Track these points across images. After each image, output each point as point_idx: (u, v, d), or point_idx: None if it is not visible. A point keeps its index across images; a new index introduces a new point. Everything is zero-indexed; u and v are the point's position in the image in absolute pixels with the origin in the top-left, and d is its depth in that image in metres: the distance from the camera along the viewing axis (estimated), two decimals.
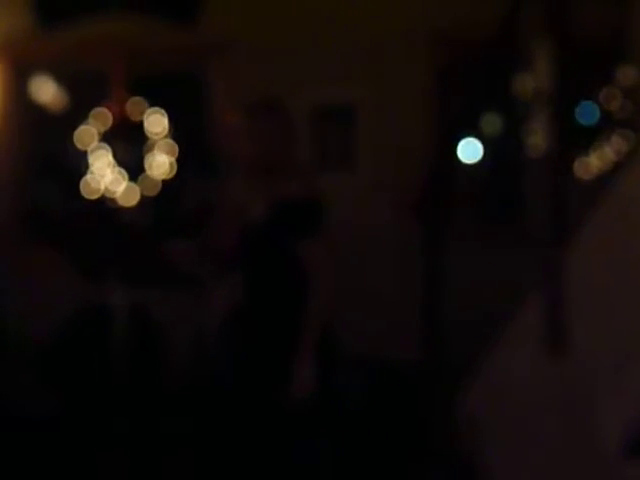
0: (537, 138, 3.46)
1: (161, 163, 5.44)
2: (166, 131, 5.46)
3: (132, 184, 5.40)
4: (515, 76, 5.77)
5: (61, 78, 5.81)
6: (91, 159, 5.39)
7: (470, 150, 6.09)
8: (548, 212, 3.33)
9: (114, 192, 5.36)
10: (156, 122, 5.44)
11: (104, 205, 5.29)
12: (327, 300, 3.11)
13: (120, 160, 5.44)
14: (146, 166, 5.42)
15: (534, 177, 5.50)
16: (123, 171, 5.41)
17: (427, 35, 5.52)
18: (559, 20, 3.23)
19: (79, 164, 5.42)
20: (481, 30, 3.99)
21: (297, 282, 3.11)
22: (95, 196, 5.34)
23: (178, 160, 5.54)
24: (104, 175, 5.36)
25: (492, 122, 6.33)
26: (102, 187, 5.35)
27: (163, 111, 5.54)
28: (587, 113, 5.65)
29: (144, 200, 5.40)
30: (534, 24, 3.34)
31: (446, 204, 5.17)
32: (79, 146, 5.41)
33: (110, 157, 5.41)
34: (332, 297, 3.12)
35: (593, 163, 5.63)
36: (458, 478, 4.23)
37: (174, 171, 5.51)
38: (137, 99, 5.52)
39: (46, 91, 5.79)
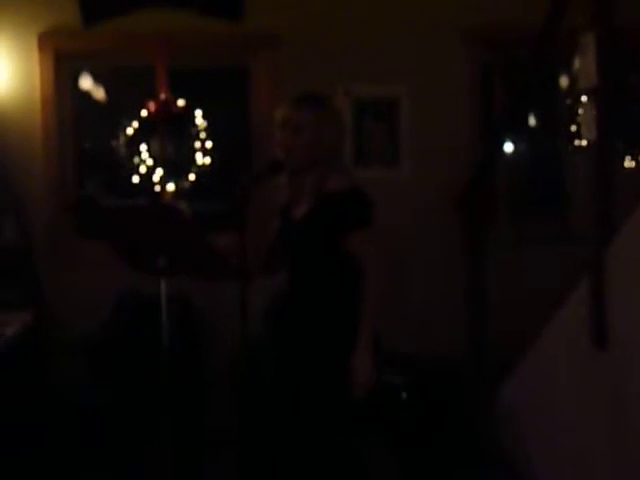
0: (582, 133, 3.44)
1: (206, 156, 5.46)
2: (210, 124, 5.48)
3: (177, 177, 5.43)
4: (560, 71, 5.75)
5: (107, 72, 5.86)
6: (136, 152, 5.42)
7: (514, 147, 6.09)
8: (592, 208, 3.33)
9: (159, 185, 5.40)
10: (200, 115, 5.46)
11: (149, 197, 5.34)
12: (381, 290, 3.09)
13: (165, 153, 5.47)
14: (191, 159, 5.45)
15: (578, 173, 5.50)
16: (168, 164, 5.44)
17: (469, 32, 5.51)
18: (604, 15, 3.23)
19: (124, 157, 5.45)
20: (525, 27, 4.02)
21: (346, 273, 3.13)
22: (140, 189, 5.40)
23: (222, 153, 5.56)
24: (149, 168, 5.40)
25: (537, 118, 6.31)
26: (147, 180, 5.40)
27: (207, 105, 5.56)
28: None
29: (188, 192, 5.44)
30: (580, 20, 3.34)
31: (489, 200, 5.19)
32: (124, 139, 5.44)
33: (155, 150, 5.43)
34: (386, 288, 3.11)
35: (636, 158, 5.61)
36: (498, 469, 4.24)
37: (219, 164, 5.53)
38: (181, 93, 5.53)
39: (93, 85, 5.84)
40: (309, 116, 3.11)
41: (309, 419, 3.18)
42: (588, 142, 3.36)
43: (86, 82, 5.78)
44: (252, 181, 3.08)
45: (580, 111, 3.38)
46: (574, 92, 5.39)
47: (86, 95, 5.82)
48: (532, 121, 6.38)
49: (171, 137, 5.51)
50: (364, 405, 3.10)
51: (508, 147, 5.95)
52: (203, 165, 5.45)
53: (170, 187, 5.40)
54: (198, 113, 5.47)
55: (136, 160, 5.43)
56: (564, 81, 5.83)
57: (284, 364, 3.25)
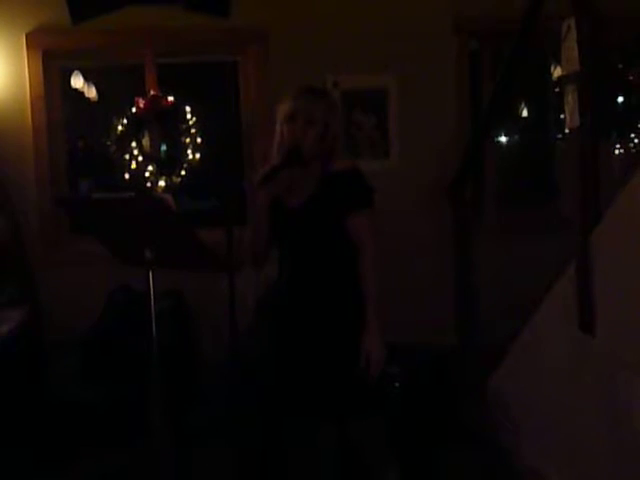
0: (567, 121, 3.45)
1: (196, 151, 5.47)
2: (199, 119, 5.49)
3: (168, 173, 5.45)
4: (545, 59, 5.76)
5: (96, 70, 5.87)
6: (126, 149, 5.43)
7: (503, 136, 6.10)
8: (579, 196, 3.35)
9: (149, 180, 5.42)
10: (189, 111, 5.47)
11: (140, 192, 5.35)
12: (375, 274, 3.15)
13: (155, 149, 5.48)
14: (181, 154, 5.46)
15: (565, 160, 5.51)
16: (158, 160, 5.46)
17: (457, 22, 5.53)
18: (586, 2, 3.24)
19: (115, 154, 5.46)
20: (513, 15, 4.03)
21: (351, 255, 3.16)
22: (131, 184, 5.41)
23: (211, 147, 5.58)
24: (140, 164, 5.41)
25: (524, 106, 6.33)
26: (138, 176, 5.41)
27: (196, 100, 5.58)
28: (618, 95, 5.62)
29: (178, 187, 5.45)
30: (562, 6, 3.35)
31: (477, 189, 5.21)
32: (114, 136, 5.46)
33: (145, 147, 5.44)
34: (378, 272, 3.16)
35: (625, 146, 5.61)
36: (489, 456, 4.26)
37: (208, 158, 5.55)
38: (170, 89, 5.54)
39: (84, 84, 5.84)
40: (322, 108, 3.13)
41: (317, 405, 3.19)
42: (570, 129, 3.38)
43: (78, 81, 5.78)
44: (271, 172, 3.07)
45: (566, 98, 3.38)
46: (562, 80, 5.41)
47: (77, 94, 5.82)
48: (523, 111, 6.40)
49: (161, 133, 5.52)
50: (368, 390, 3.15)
51: (497, 136, 5.96)
52: (193, 160, 5.46)
53: (161, 183, 5.41)
54: (187, 109, 5.48)
55: (127, 157, 5.44)
56: (554, 69, 5.84)
57: (288, 353, 3.22)
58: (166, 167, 5.44)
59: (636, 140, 5.58)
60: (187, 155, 5.45)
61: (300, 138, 3.10)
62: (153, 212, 3.00)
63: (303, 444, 3.50)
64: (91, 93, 5.89)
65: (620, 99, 5.65)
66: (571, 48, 3.29)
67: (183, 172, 5.44)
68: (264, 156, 3.38)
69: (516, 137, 6.46)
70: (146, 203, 3.14)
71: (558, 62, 5.63)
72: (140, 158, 5.42)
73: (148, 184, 5.41)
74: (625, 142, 5.70)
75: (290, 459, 3.43)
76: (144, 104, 5.43)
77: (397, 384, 4.31)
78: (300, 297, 3.20)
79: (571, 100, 3.35)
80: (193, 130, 5.45)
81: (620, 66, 5.45)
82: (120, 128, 5.44)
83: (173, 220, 3.03)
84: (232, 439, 3.98)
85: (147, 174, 5.41)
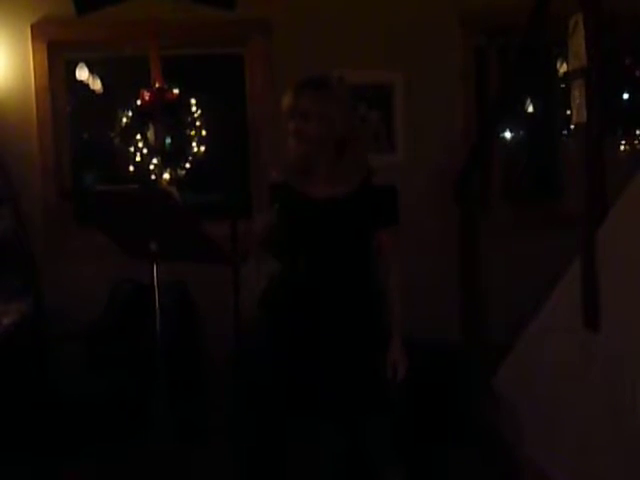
0: (574, 116, 3.44)
1: (201, 144, 5.46)
2: (205, 112, 5.48)
3: (172, 165, 5.44)
4: (552, 54, 5.73)
5: (101, 62, 5.85)
6: (131, 141, 5.42)
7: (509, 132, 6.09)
8: (585, 191, 3.34)
9: (154, 172, 5.40)
10: (194, 103, 5.46)
11: (145, 185, 5.33)
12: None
13: (160, 142, 5.47)
14: (186, 146, 5.45)
15: (573, 158, 5.50)
16: (163, 152, 5.45)
17: (464, 17, 5.52)
18: None
19: (120, 147, 5.46)
20: (520, 10, 4.02)
21: (372, 258, 3.19)
22: (136, 177, 5.40)
23: (217, 140, 5.57)
24: (144, 157, 5.40)
25: (530, 101, 6.31)
26: (143, 169, 5.40)
27: (202, 92, 5.56)
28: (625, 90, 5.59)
29: (184, 180, 5.44)
30: (570, 2, 3.34)
31: (484, 185, 5.19)
32: (119, 129, 5.45)
33: (150, 139, 5.43)
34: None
35: (630, 142, 5.59)
36: (495, 451, 4.26)
37: (213, 151, 5.54)
38: (175, 81, 5.53)
39: (89, 76, 5.83)
40: (313, 102, 3.07)
41: (328, 405, 3.19)
42: (576, 124, 3.37)
43: (83, 73, 5.77)
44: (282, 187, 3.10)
45: (573, 94, 3.37)
46: (569, 76, 5.39)
47: (82, 85, 5.81)
48: (529, 107, 6.38)
49: (166, 126, 5.50)
50: (372, 391, 3.16)
51: (504, 132, 5.95)
52: (198, 153, 5.45)
53: (166, 176, 5.40)
54: (193, 101, 5.47)
55: (131, 149, 5.43)
56: (560, 65, 5.81)
57: (297, 351, 3.18)
58: (171, 160, 5.43)
59: None
60: (192, 148, 5.44)
61: (300, 133, 3.09)
62: (158, 205, 2.99)
63: (304, 442, 3.49)
64: (96, 85, 5.87)
65: (626, 95, 5.63)
66: (578, 44, 3.28)
67: (188, 165, 5.43)
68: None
69: (521, 133, 6.44)
70: (151, 195, 3.13)
71: (564, 58, 5.63)
72: (145, 151, 5.39)
73: (153, 177, 5.39)
74: (631, 138, 5.68)
75: (290, 457, 3.43)
76: (149, 96, 5.41)
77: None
78: (314, 295, 3.17)
79: (578, 95, 3.35)
80: (198, 123, 5.43)
81: (627, 62, 5.42)
82: (125, 120, 5.42)
83: (179, 213, 3.02)
84: (234, 433, 3.99)
85: (152, 167, 5.39)
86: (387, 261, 3.18)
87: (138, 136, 5.42)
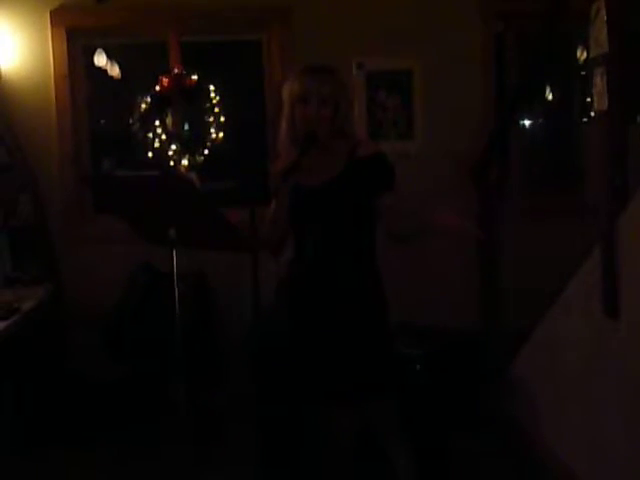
0: (595, 104, 3.41)
1: (219, 130, 5.47)
2: (223, 98, 5.48)
3: (191, 151, 5.45)
4: (577, 43, 5.70)
5: (120, 48, 5.86)
6: (150, 127, 5.43)
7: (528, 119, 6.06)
8: (606, 180, 3.32)
9: (173, 159, 5.42)
10: (213, 89, 5.46)
11: (164, 172, 5.34)
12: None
13: (179, 128, 5.48)
14: (204, 133, 5.46)
15: (592, 145, 5.46)
16: (182, 138, 5.46)
17: (482, 2, 5.49)
18: None
19: (138, 133, 5.47)
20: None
21: (367, 239, 3.18)
22: (155, 163, 5.41)
23: (236, 126, 5.57)
24: (163, 143, 5.41)
25: (550, 88, 6.28)
26: (161, 155, 5.42)
27: (220, 78, 5.57)
28: None
29: (203, 167, 5.45)
30: None
31: (503, 171, 5.17)
32: (138, 115, 5.46)
33: (169, 125, 5.44)
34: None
35: None
36: (511, 438, 4.26)
37: (231, 138, 5.54)
38: (194, 67, 5.53)
39: (108, 62, 5.83)
40: (333, 86, 3.08)
41: (336, 385, 3.15)
42: (597, 112, 3.35)
43: (101, 59, 5.77)
44: (293, 166, 3.03)
45: (594, 81, 3.35)
46: (589, 63, 5.36)
47: (101, 72, 5.81)
48: (549, 94, 6.34)
49: (185, 112, 5.52)
50: (381, 373, 3.16)
51: (522, 119, 5.92)
52: (217, 139, 5.45)
53: (184, 162, 5.41)
54: (211, 88, 5.47)
55: (150, 135, 5.45)
56: (580, 53, 5.78)
57: (307, 334, 3.19)
58: (189, 146, 5.44)
59: None
60: (211, 134, 5.45)
61: (315, 120, 3.06)
62: (179, 191, 3.00)
63: (320, 425, 3.50)
64: (114, 71, 5.87)
65: None
66: (600, 30, 3.25)
67: (206, 151, 5.44)
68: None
69: (540, 120, 6.41)
70: (172, 182, 3.13)
71: (584, 44, 5.59)
72: (163, 137, 5.42)
73: (171, 163, 5.41)
74: None
75: (307, 440, 3.44)
76: (168, 82, 5.42)
77: (418, 366, 4.31)
78: (323, 277, 3.18)
79: (599, 82, 3.32)
80: (217, 109, 5.44)
81: None
82: (143, 106, 5.44)
83: (199, 200, 3.03)
84: (253, 417, 4.00)
85: (170, 153, 5.41)
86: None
87: (157, 122, 5.44)
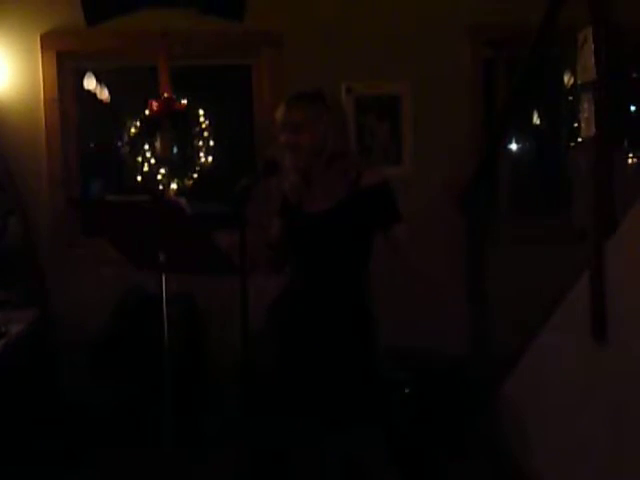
0: (582, 130, 3.44)
1: (208, 155, 5.47)
2: (212, 122, 5.49)
3: (180, 176, 5.45)
4: (564, 69, 5.75)
5: (110, 72, 5.88)
6: (139, 151, 5.44)
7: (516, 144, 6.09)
8: (594, 204, 3.33)
9: (161, 182, 5.42)
10: (202, 114, 5.47)
11: (154, 197, 5.35)
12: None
13: (168, 152, 5.49)
14: (193, 157, 5.47)
15: (580, 171, 5.49)
16: (171, 163, 5.47)
17: (471, 30, 5.53)
18: (602, 9, 3.23)
19: (128, 156, 5.48)
20: (528, 23, 4.02)
21: (359, 267, 3.20)
22: (144, 187, 5.41)
23: (225, 150, 5.59)
24: (152, 167, 5.42)
25: (540, 116, 6.32)
26: (150, 179, 5.42)
27: (210, 103, 5.58)
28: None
29: (193, 190, 5.45)
30: (579, 14, 3.34)
31: (490, 197, 5.18)
32: (127, 138, 5.47)
33: (158, 149, 5.45)
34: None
35: (637, 155, 5.60)
36: (500, 464, 4.25)
37: (221, 161, 5.55)
38: (184, 91, 5.55)
39: (97, 86, 5.85)
40: (306, 114, 3.10)
41: (323, 410, 3.17)
42: (583, 139, 3.38)
43: (91, 82, 5.79)
44: (251, 183, 3.03)
45: (581, 107, 3.38)
46: (576, 89, 5.40)
47: (90, 95, 5.83)
48: (536, 119, 6.38)
49: (174, 136, 5.53)
50: (364, 399, 3.14)
51: (511, 144, 5.95)
52: (206, 163, 5.46)
53: (173, 186, 5.41)
54: (201, 112, 5.49)
55: (139, 159, 5.45)
56: (567, 78, 5.82)
57: (296, 358, 3.21)
58: (178, 170, 5.45)
59: None
60: (200, 158, 5.46)
61: (291, 147, 3.11)
62: (168, 217, 3.00)
63: (309, 449, 3.49)
64: (103, 94, 5.90)
65: (632, 108, 5.65)
66: (587, 57, 3.29)
67: (195, 175, 5.45)
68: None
69: (527, 145, 6.45)
70: (161, 207, 3.14)
71: (571, 70, 5.64)
72: (152, 160, 5.42)
73: (160, 187, 5.41)
74: (638, 151, 5.68)
75: (295, 463, 3.43)
76: (157, 106, 5.43)
77: (407, 390, 4.31)
78: (313, 302, 3.19)
79: (587, 109, 3.35)
80: (206, 133, 5.45)
81: (635, 75, 5.44)
82: (133, 130, 5.45)
83: (188, 225, 3.03)
84: (243, 442, 3.98)
85: (159, 177, 5.42)
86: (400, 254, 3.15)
87: (146, 146, 5.44)
